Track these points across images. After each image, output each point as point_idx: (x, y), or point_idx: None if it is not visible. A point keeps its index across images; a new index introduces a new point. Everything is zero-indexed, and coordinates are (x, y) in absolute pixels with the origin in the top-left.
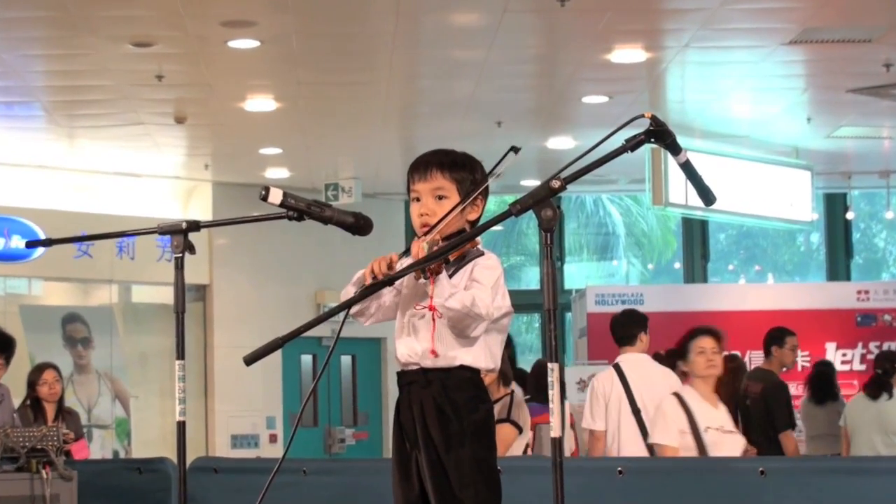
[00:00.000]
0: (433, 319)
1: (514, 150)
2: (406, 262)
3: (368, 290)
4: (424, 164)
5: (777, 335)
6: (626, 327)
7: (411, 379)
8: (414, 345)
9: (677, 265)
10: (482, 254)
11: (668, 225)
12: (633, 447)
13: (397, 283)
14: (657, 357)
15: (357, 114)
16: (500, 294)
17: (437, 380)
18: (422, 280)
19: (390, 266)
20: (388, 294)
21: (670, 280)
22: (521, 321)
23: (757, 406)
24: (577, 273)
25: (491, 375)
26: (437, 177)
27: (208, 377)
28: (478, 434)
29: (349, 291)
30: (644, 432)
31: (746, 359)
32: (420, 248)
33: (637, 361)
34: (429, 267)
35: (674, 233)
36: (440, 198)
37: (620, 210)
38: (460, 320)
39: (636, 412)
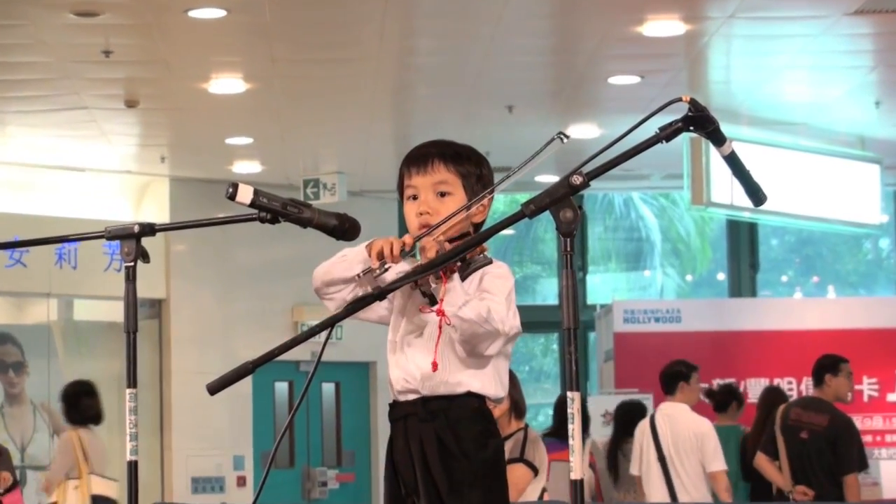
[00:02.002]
0: (439, 327)
1: (562, 137)
2: (403, 268)
3: (355, 305)
4: (423, 156)
5: (829, 362)
6: (665, 377)
7: (408, 411)
8: (411, 367)
9: (721, 276)
10: (490, 261)
11: (710, 229)
12: (656, 494)
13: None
14: None
15: (342, 97)
16: (511, 309)
17: (439, 411)
18: (431, 284)
19: (403, 251)
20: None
21: (713, 294)
22: (536, 342)
23: (818, 441)
24: (603, 285)
25: (501, 406)
26: (439, 169)
27: (165, 409)
28: (488, 476)
29: (331, 272)
30: (668, 480)
31: (803, 387)
32: (432, 245)
33: (672, 411)
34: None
35: (715, 238)
36: (442, 194)
37: (655, 211)
38: (474, 334)
39: (661, 459)
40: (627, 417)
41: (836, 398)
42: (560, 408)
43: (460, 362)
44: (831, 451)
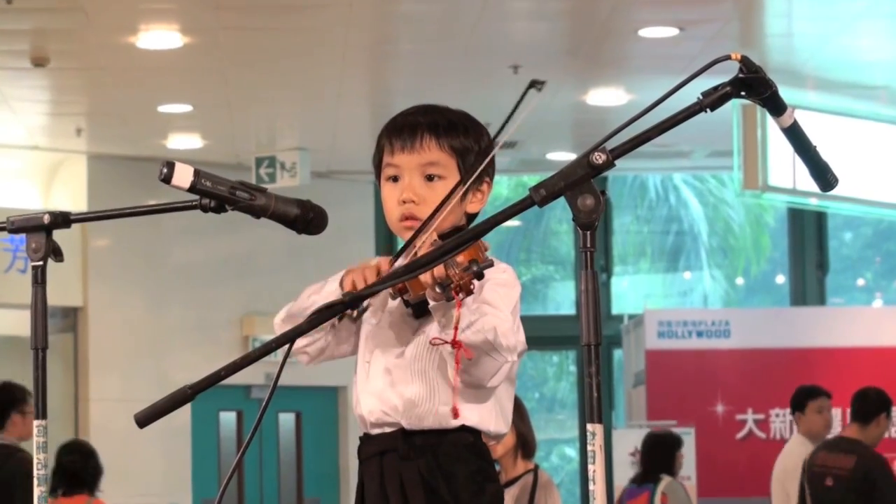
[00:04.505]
0: (457, 360)
1: (536, 85)
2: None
3: (321, 316)
4: (411, 128)
5: (882, 398)
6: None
7: (385, 446)
8: (391, 396)
9: (781, 279)
10: (491, 263)
11: (766, 219)
12: None
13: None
14: None
15: (305, 54)
16: (517, 323)
17: (426, 447)
18: (432, 302)
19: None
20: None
21: (770, 301)
22: (548, 363)
23: (844, 489)
24: (633, 290)
25: (505, 443)
26: (429, 146)
27: None
28: None
29: (286, 321)
30: None
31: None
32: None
33: None
34: (456, 282)
35: (774, 232)
36: (431, 178)
37: (699, 196)
38: (478, 362)
39: None
40: None
41: (876, 441)
42: (644, 447)
43: (454, 390)
44: (863, 497)
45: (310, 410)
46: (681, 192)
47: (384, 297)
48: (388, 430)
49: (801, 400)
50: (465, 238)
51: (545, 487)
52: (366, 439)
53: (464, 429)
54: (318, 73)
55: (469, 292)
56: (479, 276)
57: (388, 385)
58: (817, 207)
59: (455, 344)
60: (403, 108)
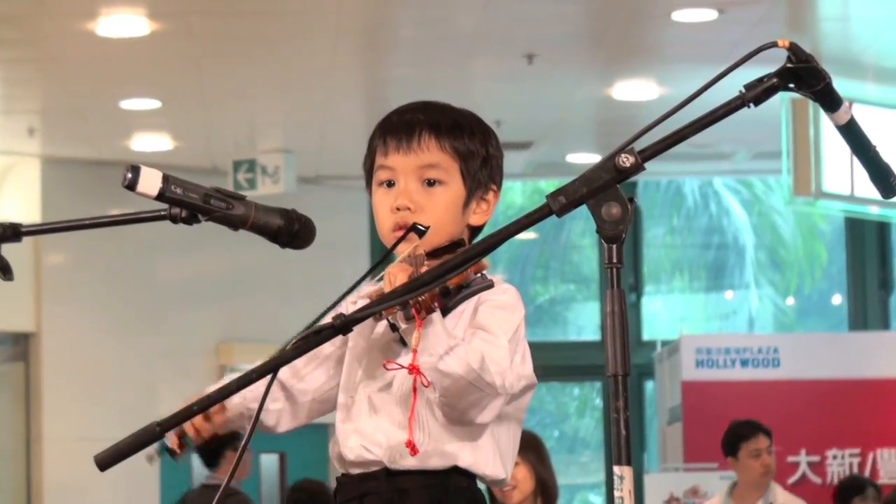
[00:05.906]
0: (414, 389)
1: (419, 229)
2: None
3: (308, 342)
4: (409, 126)
5: None
6: None
7: (365, 488)
8: (371, 431)
9: (838, 299)
10: (490, 284)
11: (821, 229)
12: None
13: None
14: None
15: (290, 42)
16: (519, 353)
17: (411, 490)
18: (400, 324)
19: (206, 420)
20: (317, 368)
21: (826, 325)
22: (568, 396)
23: None
24: (667, 313)
25: (522, 489)
26: (429, 146)
27: (34, 490)
28: None
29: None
30: None
31: None
32: (401, 271)
33: None
34: (415, 298)
35: (830, 245)
36: (431, 183)
37: (744, 204)
38: (461, 395)
39: None
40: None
41: None
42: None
43: (444, 427)
44: None
45: (295, 451)
46: (722, 198)
47: (369, 323)
48: (369, 469)
49: (733, 441)
50: (473, 254)
51: None
52: (344, 480)
53: (456, 471)
54: (305, 65)
55: (431, 310)
56: (445, 294)
57: (371, 419)
58: (879, 217)
59: (412, 370)
60: (399, 105)
